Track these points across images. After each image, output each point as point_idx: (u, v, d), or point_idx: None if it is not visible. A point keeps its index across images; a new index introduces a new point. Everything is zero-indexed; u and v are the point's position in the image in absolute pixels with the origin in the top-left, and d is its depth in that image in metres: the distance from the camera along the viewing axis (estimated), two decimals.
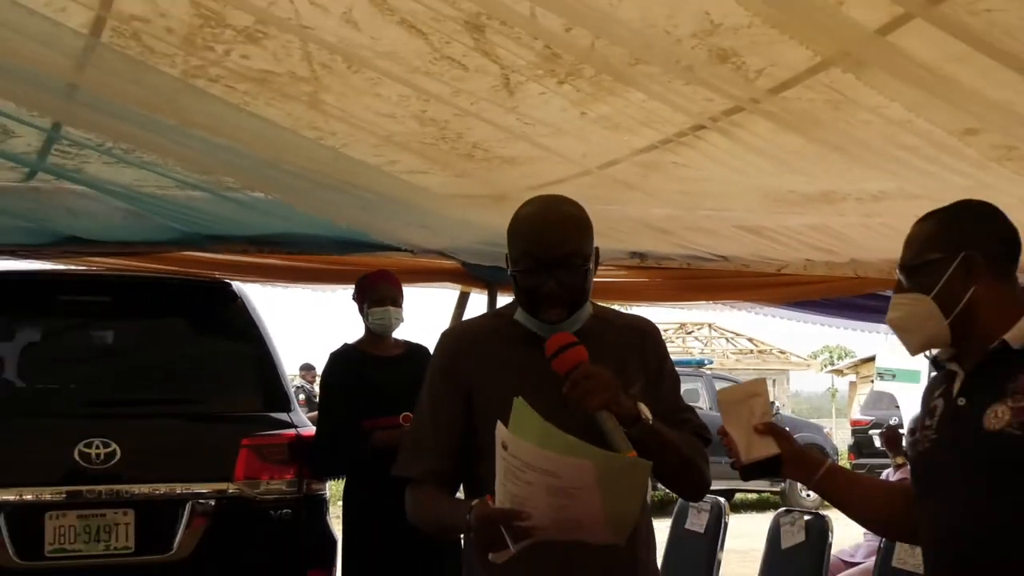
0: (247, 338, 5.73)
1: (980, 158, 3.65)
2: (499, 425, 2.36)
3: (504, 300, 6.55)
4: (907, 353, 2.61)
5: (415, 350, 5.64)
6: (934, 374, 2.64)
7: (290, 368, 6.05)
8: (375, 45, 3.03)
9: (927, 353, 2.56)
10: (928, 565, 2.50)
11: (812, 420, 22.09)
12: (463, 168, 4.17)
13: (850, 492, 2.74)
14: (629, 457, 2.36)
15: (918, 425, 2.59)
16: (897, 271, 2.53)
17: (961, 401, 2.43)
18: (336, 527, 5.54)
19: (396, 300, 5.52)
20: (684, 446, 2.70)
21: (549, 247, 2.59)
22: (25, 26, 2.92)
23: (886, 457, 8.67)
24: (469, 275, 6.26)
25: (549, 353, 2.54)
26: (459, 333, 2.95)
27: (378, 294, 5.49)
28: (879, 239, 5.24)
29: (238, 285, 5.99)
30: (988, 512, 2.33)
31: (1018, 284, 2.50)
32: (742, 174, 4.03)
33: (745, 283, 6.49)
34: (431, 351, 6.14)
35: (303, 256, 6.08)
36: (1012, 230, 2.50)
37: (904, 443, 7.33)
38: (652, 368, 2.80)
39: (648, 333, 2.85)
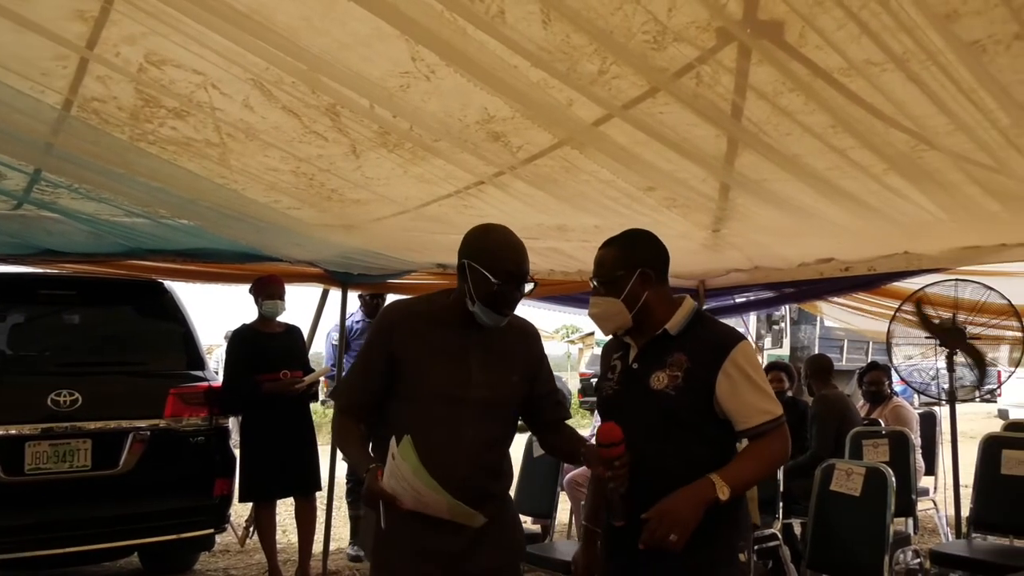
0: (174, 320, 5.54)
1: (656, 205, 3.76)
2: (392, 441, 2.33)
3: (353, 296, 6.48)
4: None
5: (291, 329, 5.59)
6: (609, 339, 2.64)
7: (205, 340, 5.85)
8: (264, 123, 2.97)
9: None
10: None
11: (556, 373, 22.27)
12: (324, 206, 4.10)
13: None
14: (468, 508, 2.36)
15: (602, 375, 2.62)
16: (593, 281, 2.52)
17: (635, 366, 2.48)
18: (234, 450, 5.42)
19: (281, 295, 5.44)
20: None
21: (522, 271, 2.50)
22: (15, 101, 2.76)
23: None
24: (329, 277, 6.15)
25: (600, 442, 2.35)
26: (397, 308, 2.64)
27: (269, 291, 5.39)
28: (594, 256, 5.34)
29: (168, 283, 5.73)
30: (645, 436, 2.38)
31: (669, 286, 2.55)
32: (507, 214, 4.05)
33: None
34: (302, 331, 6.01)
35: (214, 263, 5.86)
36: (665, 250, 2.53)
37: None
38: (535, 360, 2.67)
39: (532, 334, 2.68)
